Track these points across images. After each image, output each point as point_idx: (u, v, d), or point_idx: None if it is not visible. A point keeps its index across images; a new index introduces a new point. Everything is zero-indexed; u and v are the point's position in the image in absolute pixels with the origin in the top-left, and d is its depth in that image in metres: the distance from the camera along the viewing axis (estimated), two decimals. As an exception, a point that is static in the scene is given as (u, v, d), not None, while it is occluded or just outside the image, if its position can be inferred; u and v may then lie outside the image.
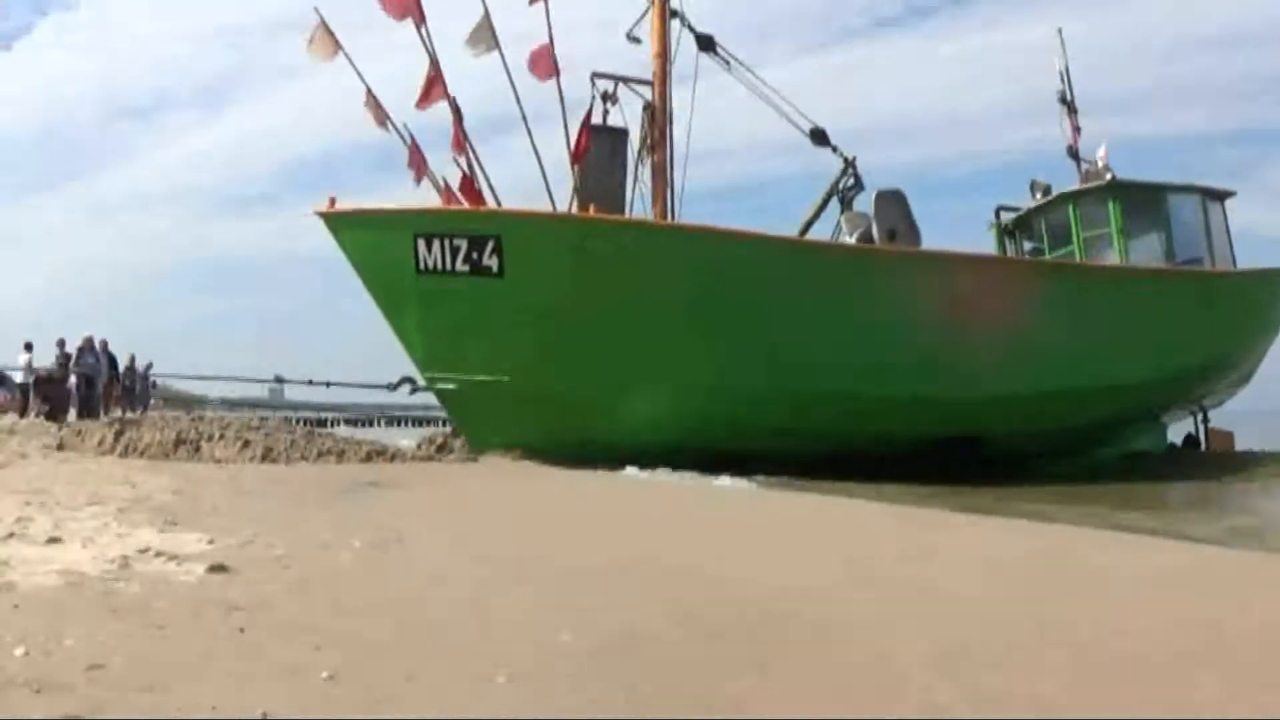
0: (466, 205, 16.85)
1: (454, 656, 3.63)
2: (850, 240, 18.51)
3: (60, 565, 4.96)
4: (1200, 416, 23.26)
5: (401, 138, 17.01)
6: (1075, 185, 21.25)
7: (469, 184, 16.88)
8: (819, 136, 19.51)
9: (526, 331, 16.09)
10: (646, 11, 18.79)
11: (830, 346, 16.94)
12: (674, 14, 18.71)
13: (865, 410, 16.79)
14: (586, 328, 16.11)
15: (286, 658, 3.46)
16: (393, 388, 19.51)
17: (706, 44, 18.87)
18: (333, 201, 17.14)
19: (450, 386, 17.09)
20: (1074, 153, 22.26)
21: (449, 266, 16.17)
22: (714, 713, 3.12)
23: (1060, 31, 23.09)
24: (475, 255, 16.07)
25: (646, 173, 18.42)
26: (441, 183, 17.06)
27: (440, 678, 3.35)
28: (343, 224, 17.16)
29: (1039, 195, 21.47)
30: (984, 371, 17.68)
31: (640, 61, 18.75)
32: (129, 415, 29.05)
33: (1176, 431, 23.74)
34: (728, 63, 19.05)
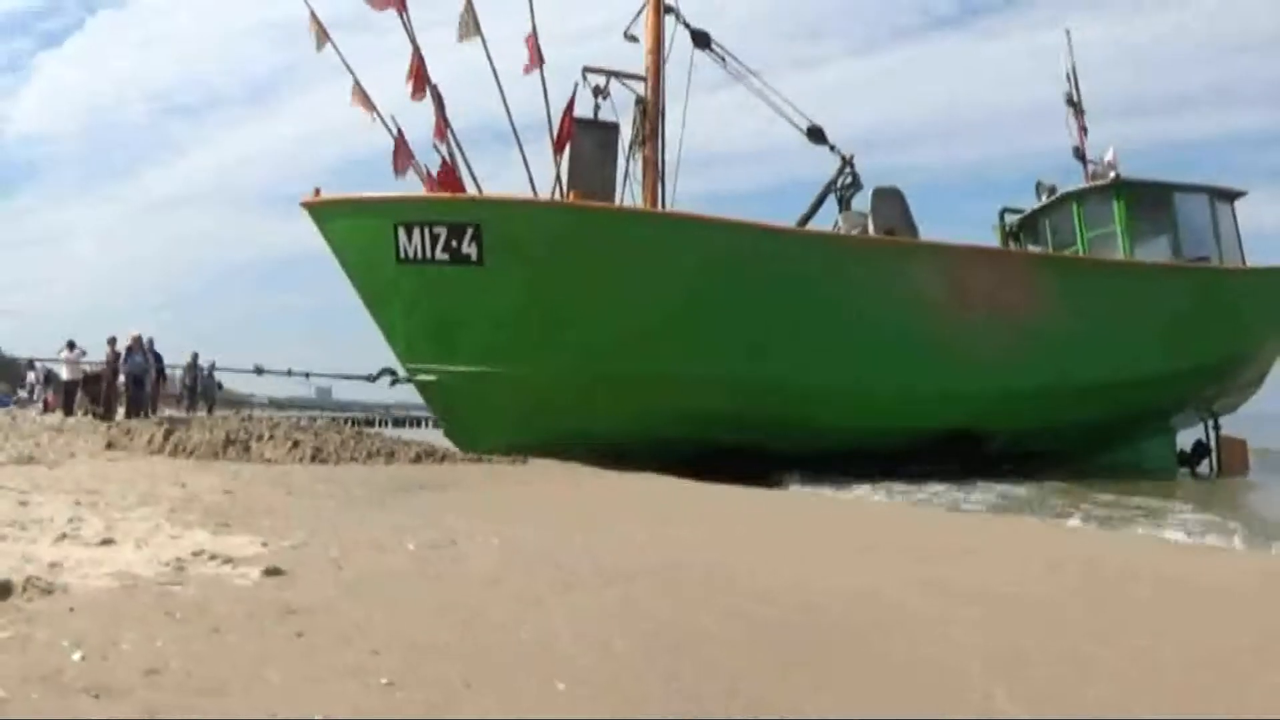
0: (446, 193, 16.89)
1: (512, 661, 3.63)
2: None
3: (114, 567, 5.00)
4: (1211, 423, 22.89)
5: (389, 129, 17.09)
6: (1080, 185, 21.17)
7: (449, 172, 16.91)
8: (816, 135, 19.59)
9: (505, 321, 16.22)
10: (642, 9, 18.84)
11: (822, 338, 17.03)
12: (669, 10, 18.81)
13: (862, 404, 16.73)
14: (565, 317, 16.20)
15: (345, 662, 3.47)
16: (373, 379, 19.59)
17: (702, 40, 18.96)
18: (317, 192, 17.32)
19: (430, 378, 17.21)
20: (1080, 154, 22.21)
21: (429, 255, 16.32)
22: (775, 715, 3.12)
23: (1068, 33, 23.12)
24: (454, 243, 16.24)
25: (638, 168, 18.49)
26: (425, 172, 17.14)
27: (499, 683, 3.35)
28: (325, 214, 17.37)
29: (1044, 196, 21.41)
30: (984, 366, 17.63)
31: (638, 65, 18.88)
32: (193, 414, 29.34)
33: (1185, 437, 23.44)
34: (723, 59, 19.13)
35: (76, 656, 3.35)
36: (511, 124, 17.31)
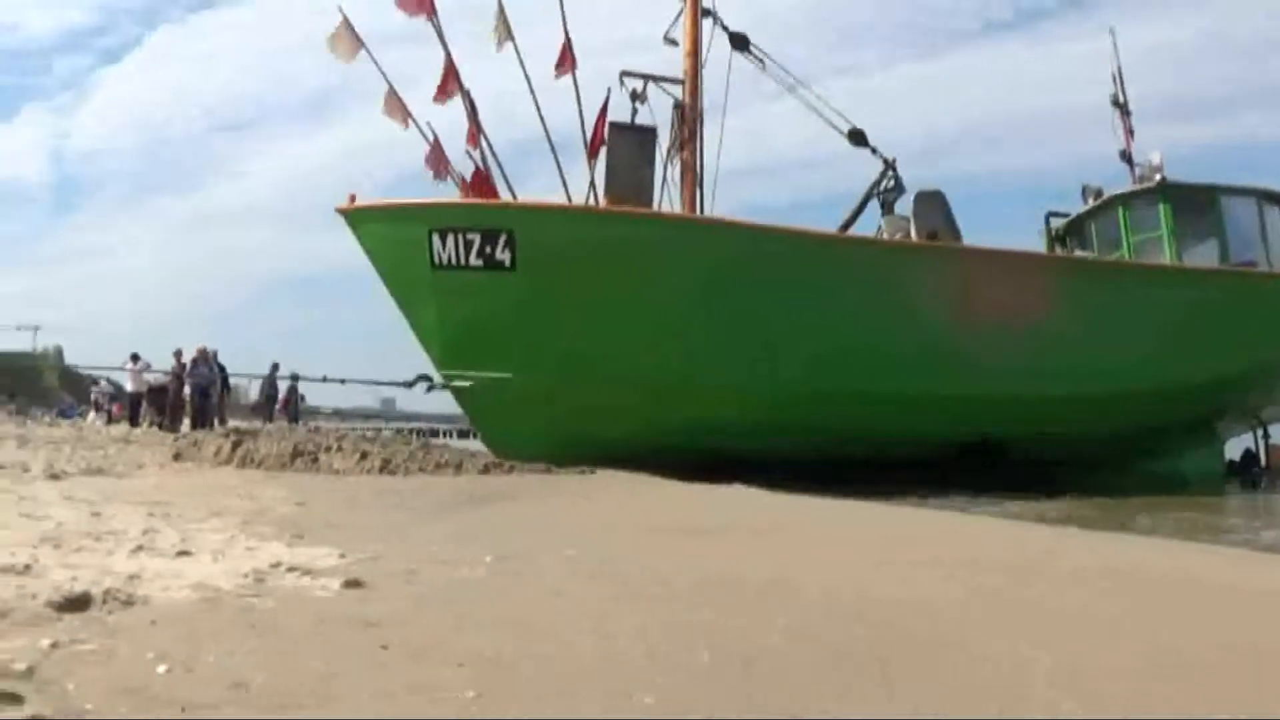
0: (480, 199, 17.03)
1: (592, 675, 3.61)
2: None
3: (193, 579, 5.03)
4: (1260, 431, 22.48)
5: (424, 136, 17.16)
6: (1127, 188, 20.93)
7: (482, 178, 16.95)
8: (857, 137, 19.48)
9: (537, 327, 16.26)
10: (681, 12, 18.86)
11: (850, 345, 17.02)
12: (707, 13, 18.81)
13: (885, 410, 16.62)
14: (596, 324, 16.23)
15: (430, 676, 3.46)
16: (409, 385, 19.75)
17: (740, 43, 18.95)
18: (353, 198, 17.46)
19: (465, 384, 17.25)
20: (1127, 156, 21.96)
21: (463, 261, 16.38)
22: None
23: (1113, 32, 22.83)
24: (488, 250, 16.36)
25: (677, 173, 18.52)
26: (459, 178, 17.29)
27: (581, 697, 3.33)
28: (361, 220, 17.51)
29: (1090, 199, 21.18)
30: (1011, 372, 17.45)
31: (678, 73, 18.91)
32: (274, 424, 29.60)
33: (1232, 447, 23.06)
34: (761, 62, 19.08)
35: (161, 670, 3.36)
36: (545, 130, 17.56)
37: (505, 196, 17.22)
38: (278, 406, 35.94)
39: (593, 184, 17.47)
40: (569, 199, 17.30)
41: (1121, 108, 22.35)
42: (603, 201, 17.16)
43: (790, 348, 16.72)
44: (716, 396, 16.36)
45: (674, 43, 19.09)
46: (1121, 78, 22.43)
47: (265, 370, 34.30)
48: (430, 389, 19.05)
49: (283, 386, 33.76)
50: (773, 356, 16.64)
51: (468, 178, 17.17)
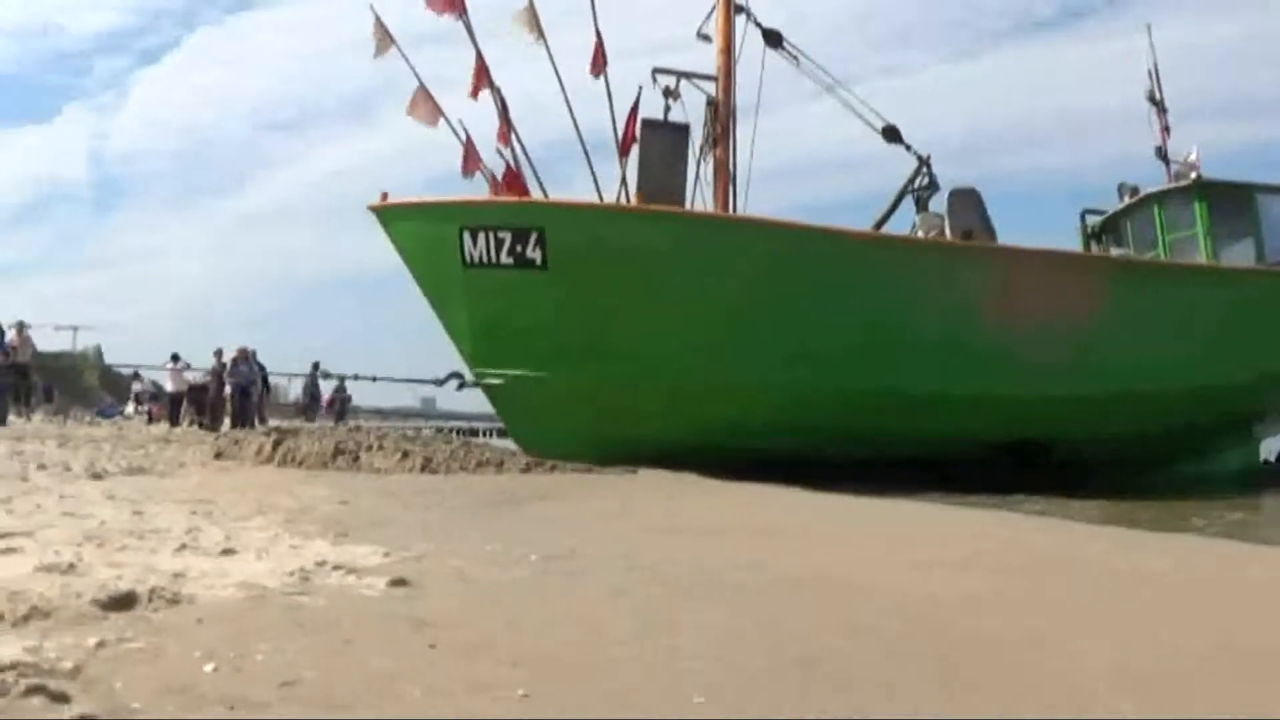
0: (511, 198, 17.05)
1: (645, 675, 3.59)
2: None
3: (238, 578, 5.03)
4: None
5: (456, 134, 17.21)
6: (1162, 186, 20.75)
7: (513, 176, 16.99)
8: (891, 134, 19.33)
9: (568, 326, 16.27)
10: (714, 8, 18.82)
11: (889, 344, 16.86)
12: (740, 9, 18.72)
13: (924, 411, 16.55)
14: (627, 323, 16.22)
15: (480, 675, 3.44)
16: (440, 383, 19.81)
17: (774, 40, 18.87)
18: (384, 196, 17.52)
19: (496, 382, 17.30)
20: (1163, 154, 21.69)
21: (494, 259, 16.40)
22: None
23: (1149, 27, 22.58)
24: (519, 248, 16.33)
25: (710, 171, 18.48)
26: (489, 176, 17.31)
27: (635, 696, 3.31)
28: (392, 217, 17.58)
29: (1126, 197, 20.99)
30: (1051, 370, 17.28)
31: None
32: (317, 424, 29.81)
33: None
34: (795, 59, 18.99)
35: (209, 668, 3.35)
36: (576, 128, 17.56)
37: (537, 195, 17.25)
38: (324, 406, 36.19)
39: (624, 182, 17.47)
40: (600, 198, 17.31)
41: (1158, 104, 22.11)
42: (634, 200, 17.15)
43: (827, 348, 16.64)
44: (750, 396, 16.30)
45: (707, 39, 19.04)
46: (1158, 74, 22.23)
47: (304, 369, 34.52)
48: (461, 387, 19.12)
49: (325, 386, 33.95)
50: (809, 356, 16.56)
51: (499, 176, 17.21)
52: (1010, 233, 18.61)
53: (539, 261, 16.24)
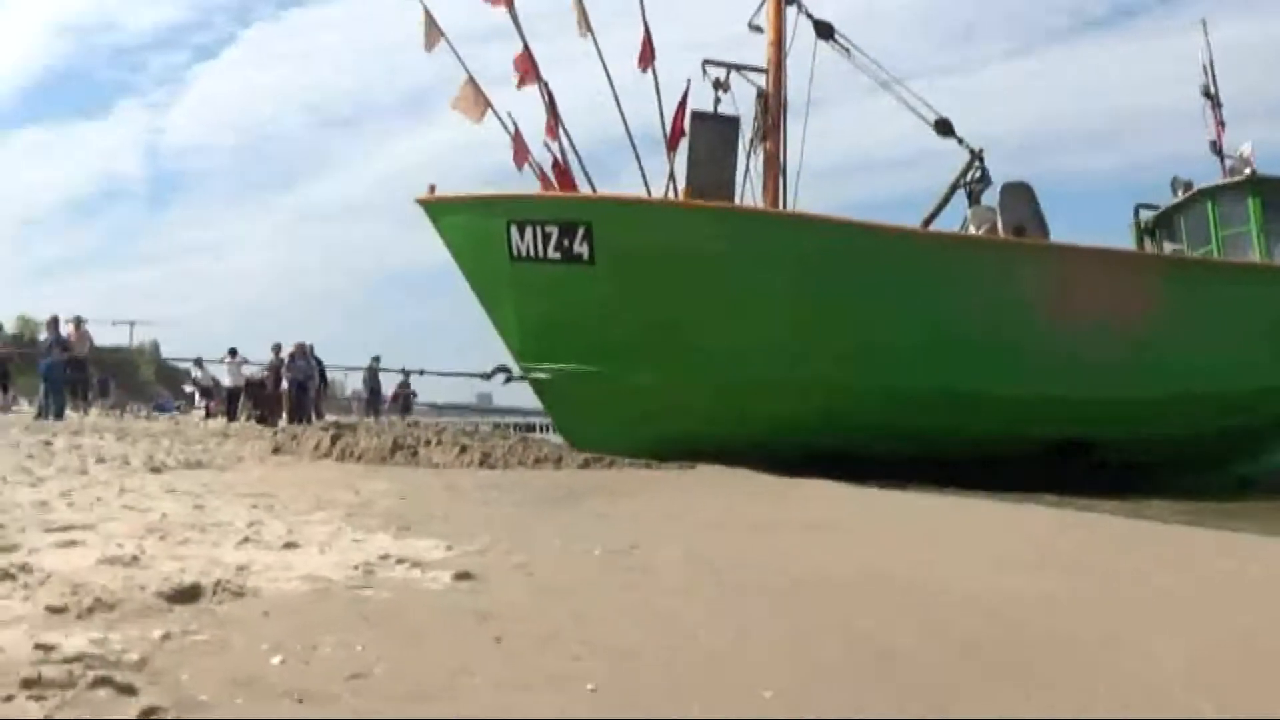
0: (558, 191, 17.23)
1: (713, 670, 3.57)
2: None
3: (302, 571, 5.05)
4: None
5: (504, 126, 17.34)
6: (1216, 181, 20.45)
7: (561, 170, 17.14)
8: (944, 127, 19.16)
9: (614, 321, 16.29)
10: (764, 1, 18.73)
11: (941, 342, 16.73)
12: (791, 1, 18.61)
13: (976, 409, 16.45)
14: (673, 319, 16.20)
15: (548, 668, 3.44)
16: (487, 377, 19.93)
17: (825, 32, 18.76)
18: (432, 189, 17.60)
19: (544, 377, 17.39)
20: (1217, 148, 21.39)
21: (541, 254, 16.45)
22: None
23: (1204, 21, 22.23)
24: (566, 242, 16.37)
25: (760, 164, 18.49)
26: (538, 170, 17.44)
27: (704, 691, 3.28)
28: (440, 211, 17.66)
29: (1179, 192, 20.70)
30: (1104, 370, 17.07)
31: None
32: (378, 419, 30.03)
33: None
34: (847, 50, 18.87)
35: (276, 661, 3.36)
36: (624, 122, 17.66)
37: (584, 189, 17.28)
38: (388, 400, 36.43)
39: (672, 176, 17.50)
40: (649, 192, 17.31)
41: (1212, 98, 21.84)
42: (682, 194, 17.14)
43: (878, 344, 16.56)
44: (801, 393, 16.25)
45: (759, 29, 19.00)
46: (1212, 67, 21.95)
47: (360, 364, 34.75)
48: (508, 380, 19.23)
49: (383, 380, 34.12)
50: (859, 353, 16.49)
51: (547, 171, 17.28)
52: (1065, 232, 18.38)
53: (586, 256, 16.27)
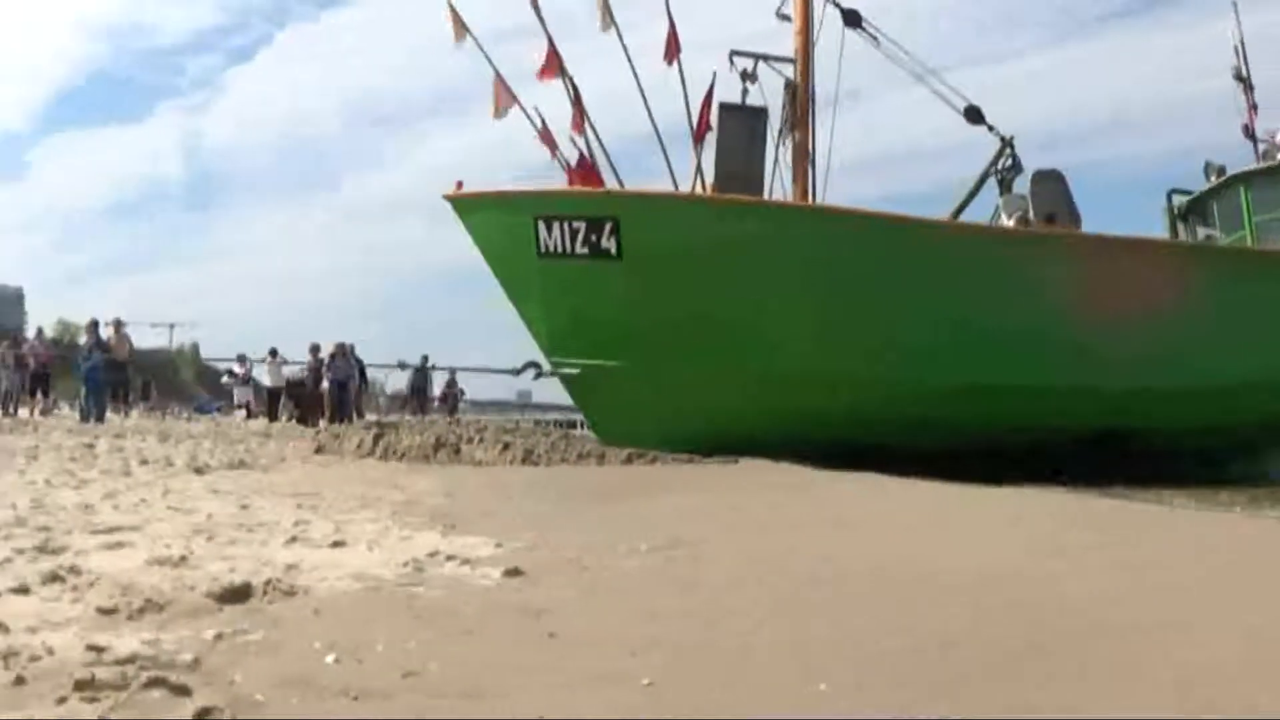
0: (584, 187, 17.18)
1: (768, 663, 3.55)
2: (1009, 225, 17.92)
3: (352, 569, 5.07)
4: None
5: (531, 121, 17.35)
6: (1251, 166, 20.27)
7: (588, 165, 17.16)
8: (974, 115, 18.99)
9: (644, 316, 16.28)
10: None
11: (968, 334, 16.68)
12: None
13: (1011, 402, 16.39)
14: (700, 313, 16.18)
15: (602, 664, 3.44)
16: (517, 372, 20.02)
17: (852, 20, 18.65)
18: (460, 185, 17.63)
19: (573, 371, 17.40)
20: (1250, 132, 21.17)
21: (568, 249, 16.49)
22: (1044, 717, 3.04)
23: (1235, 4, 21.93)
24: (594, 238, 16.38)
25: (789, 155, 18.36)
26: (565, 163, 17.40)
27: (760, 685, 3.28)
28: (467, 207, 17.70)
29: (1213, 178, 20.47)
30: (1133, 361, 16.93)
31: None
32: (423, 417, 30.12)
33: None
34: (875, 39, 18.74)
35: (330, 659, 3.37)
36: (650, 116, 17.59)
37: (611, 184, 17.29)
38: (437, 399, 36.52)
39: (699, 169, 17.44)
40: (676, 187, 17.30)
41: (1245, 81, 21.66)
42: (709, 186, 17.13)
43: (908, 338, 16.49)
44: (831, 387, 16.18)
45: (787, 18, 18.92)
46: (1244, 50, 21.75)
47: (396, 362, 34.88)
48: (538, 376, 19.30)
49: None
50: (888, 347, 16.43)
51: (573, 165, 17.30)
52: (1099, 221, 18.19)
53: (613, 251, 16.28)
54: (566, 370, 17.63)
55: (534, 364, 19.23)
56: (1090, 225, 18.38)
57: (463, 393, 39.22)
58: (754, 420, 15.95)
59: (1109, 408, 16.98)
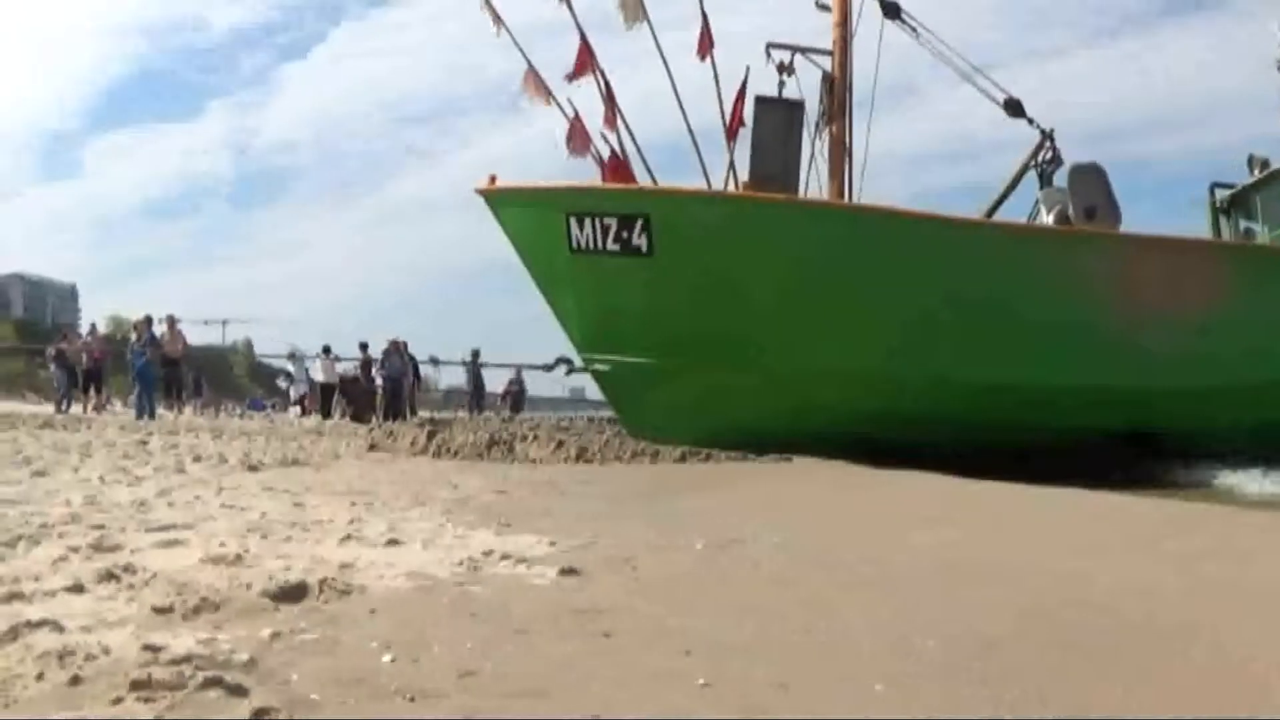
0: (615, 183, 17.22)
1: (821, 663, 3.57)
2: (1048, 220, 17.76)
3: (407, 568, 5.11)
4: None
5: (564, 114, 17.43)
6: None
7: (620, 162, 17.20)
8: (1014, 107, 18.80)
9: (675, 312, 16.32)
10: None
11: (1000, 333, 16.59)
12: None
13: (1035, 400, 16.22)
14: (737, 309, 16.19)
15: (657, 663, 3.46)
16: (549, 368, 20.09)
17: (892, 11, 18.50)
18: (493, 179, 17.67)
19: (604, 368, 17.53)
20: None
21: (600, 245, 16.53)
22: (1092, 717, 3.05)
23: None
24: (625, 234, 16.40)
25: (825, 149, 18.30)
26: (597, 158, 17.47)
27: (813, 685, 3.30)
28: (500, 202, 17.77)
29: (1256, 170, 20.14)
30: (1167, 361, 16.81)
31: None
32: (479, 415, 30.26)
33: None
34: (915, 30, 18.58)
35: (387, 659, 3.40)
36: (682, 112, 17.62)
37: (644, 181, 17.30)
38: (500, 397, 36.60)
39: (732, 165, 17.47)
40: (709, 184, 17.31)
41: (1288, 73, 21.34)
42: (744, 181, 17.13)
43: (940, 336, 16.42)
44: (862, 386, 16.14)
45: (826, 8, 18.87)
46: None
47: (451, 359, 35.00)
48: (570, 372, 19.40)
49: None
50: (919, 345, 16.37)
51: (604, 161, 17.33)
52: (1142, 217, 17.97)
53: (645, 248, 16.31)
54: (597, 366, 17.74)
55: (565, 359, 19.35)
56: (1131, 220, 18.26)
57: (525, 389, 39.12)
58: (785, 418, 15.93)
59: (1145, 407, 16.85)
